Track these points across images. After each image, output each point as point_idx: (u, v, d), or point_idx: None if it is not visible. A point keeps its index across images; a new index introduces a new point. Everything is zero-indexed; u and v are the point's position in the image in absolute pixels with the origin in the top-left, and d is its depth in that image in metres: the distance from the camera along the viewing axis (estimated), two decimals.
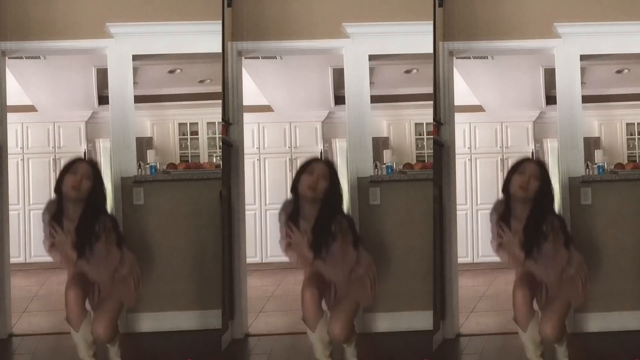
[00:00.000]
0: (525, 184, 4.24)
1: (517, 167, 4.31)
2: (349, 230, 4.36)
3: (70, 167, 4.27)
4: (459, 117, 5.54)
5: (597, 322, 5.22)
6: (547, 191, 4.30)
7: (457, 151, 5.37)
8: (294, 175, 4.34)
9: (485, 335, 5.33)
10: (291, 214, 4.32)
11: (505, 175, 4.39)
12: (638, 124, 7.50)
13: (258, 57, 6.87)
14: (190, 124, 7.58)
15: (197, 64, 6.52)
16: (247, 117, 5.51)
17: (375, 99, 5.59)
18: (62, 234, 4.25)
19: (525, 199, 4.27)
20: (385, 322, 5.23)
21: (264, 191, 8.11)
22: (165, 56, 6.15)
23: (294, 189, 4.31)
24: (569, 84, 5.28)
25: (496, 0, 5.27)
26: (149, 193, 5.27)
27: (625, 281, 5.23)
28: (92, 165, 4.32)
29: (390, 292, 5.23)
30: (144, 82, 6.81)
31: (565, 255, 4.33)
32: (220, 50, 5.11)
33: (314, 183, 4.23)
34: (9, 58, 5.43)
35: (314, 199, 4.26)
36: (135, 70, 5.66)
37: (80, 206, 4.27)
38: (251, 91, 7.37)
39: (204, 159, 8.17)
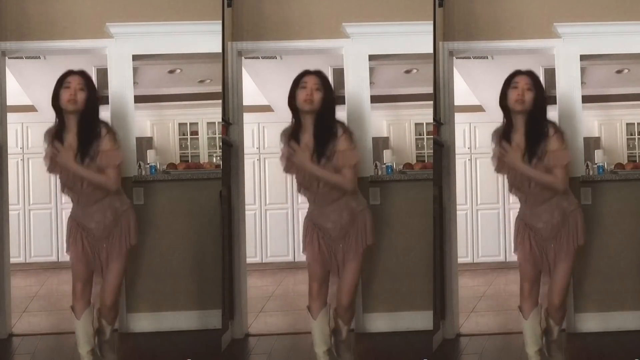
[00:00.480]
0: (520, 97, 4.33)
1: (510, 81, 4.40)
2: (350, 135, 4.43)
3: (62, 81, 4.41)
4: (459, 117, 5.54)
5: (597, 322, 5.22)
6: (541, 100, 4.38)
7: (457, 151, 5.37)
8: (289, 91, 4.41)
9: (485, 335, 5.33)
10: (292, 132, 4.39)
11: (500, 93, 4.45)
12: (638, 124, 7.51)
13: (258, 57, 6.87)
14: (190, 124, 7.58)
15: (197, 64, 6.52)
16: (247, 117, 5.51)
17: (375, 99, 5.59)
18: (63, 148, 4.36)
19: (523, 111, 4.36)
20: (385, 322, 5.23)
21: (264, 191, 8.12)
22: (165, 56, 6.15)
23: (291, 105, 4.38)
24: (569, 84, 5.28)
25: (496, 0, 5.27)
26: (149, 193, 5.27)
27: (625, 281, 5.23)
28: (84, 76, 4.42)
29: (390, 292, 5.23)
30: (144, 82, 6.81)
31: (567, 155, 4.38)
32: (220, 50, 5.11)
33: (309, 96, 4.31)
34: (9, 58, 5.43)
35: (311, 111, 4.34)
36: (135, 70, 5.66)
37: (78, 117, 4.40)
38: (251, 91, 7.37)
39: (204, 159, 8.17)
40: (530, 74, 4.39)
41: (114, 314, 4.56)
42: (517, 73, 4.41)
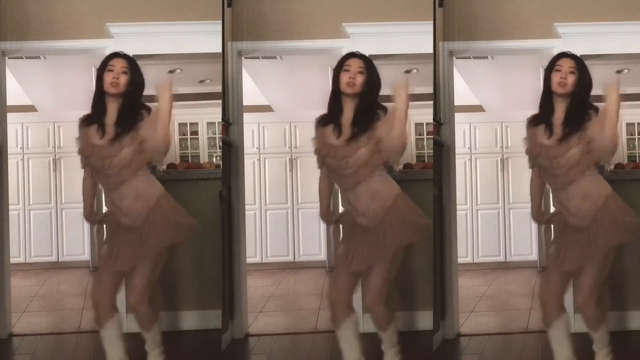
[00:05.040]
0: (563, 80, 4.20)
1: (554, 64, 4.25)
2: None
3: (106, 64, 4.24)
4: (459, 117, 5.54)
5: None
6: (584, 84, 4.23)
7: (457, 151, 5.37)
8: (332, 76, 4.26)
9: (485, 335, 5.33)
10: (329, 117, 4.23)
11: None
12: (638, 124, 7.51)
13: (258, 57, 6.87)
14: (190, 124, 7.58)
15: (197, 64, 6.52)
16: (247, 117, 5.52)
17: None
18: (93, 133, 4.23)
19: (564, 95, 4.22)
20: None
21: (264, 191, 8.12)
22: (165, 56, 6.14)
23: (333, 87, 4.23)
24: None
25: (496, 0, 5.27)
26: None
27: (625, 281, 5.23)
28: (128, 59, 4.27)
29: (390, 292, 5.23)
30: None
31: (614, 140, 4.20)
32: (220, 50, 5.11)
33: (351, 79, 4.19)
34: (9, 58, 5.43)
35: (353, 94, 4.20)
36: None
37: (119, 102, 4.23)
38: (251, 91, 7.37)
39: (204, 159, 8.16)
40: (575, 57, 4.26)
41: (143, 319, 4.29)
42: (561, 55, 4.27)
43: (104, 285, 4.21)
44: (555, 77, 4.21)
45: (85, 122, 4.29)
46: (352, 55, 4.26)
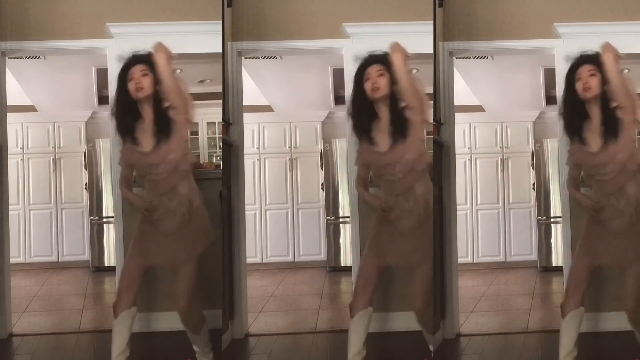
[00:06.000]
0: (586, 85, 4.18)
1: (574, 75, 4.24)
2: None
3: (126, 75, 4.21)
4: (459, 117, 5.54)
5: (596, 322, 5.22)
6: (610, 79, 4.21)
7: (457, 151, 5.37)
8: (353, 88, 4.29)
9: (485, 335, 5.33)
10: (366, 125, 4.26)
11: (564, 87, 4.29)
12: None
13: (258, 57, 6.88)
14: None
15: (197, 64, 6.53)
16: (247, 117, 5.52)
17: None
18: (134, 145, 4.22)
19: (594, 98, 4.19)
20: (385, 322, 5.23)
21: (264, 191, 8.12)
22: None
23: (363, 96, 4.24)
24: None
25: (496, 0, 5.27)
26: None
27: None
28: (145, 61, 4.24)
29: (390, 292, 5.23)
30: None
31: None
32: (220, 50, 5.11)
33: (374, 84, 4.20)
34: (9, 58, 5.43)
35: (382, 97, 4.21)
36: None
37: (151, 106, 4.21)
38: (251, 91, 7.38)
39: (204, 159, 8.17)
40: (592, 60, 4.24)
41: (193, 322, 4.43)
42: (578, 65, 4.25)
43: (131, 276, 4.29)
44: (579, 86, 4.20)
45: (120, 133, 4.27)
46: (367, 64, 4.26)
